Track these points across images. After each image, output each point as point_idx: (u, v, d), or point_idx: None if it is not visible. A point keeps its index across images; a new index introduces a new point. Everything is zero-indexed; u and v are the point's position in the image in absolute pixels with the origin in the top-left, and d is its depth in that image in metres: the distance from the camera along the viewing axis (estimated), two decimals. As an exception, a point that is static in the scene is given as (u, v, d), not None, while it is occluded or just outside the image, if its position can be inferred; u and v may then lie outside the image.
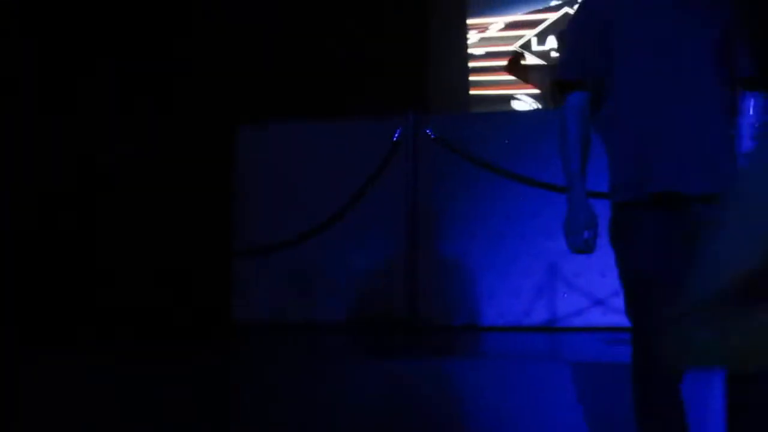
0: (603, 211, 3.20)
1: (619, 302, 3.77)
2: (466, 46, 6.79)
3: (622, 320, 3.77)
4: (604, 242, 3.78)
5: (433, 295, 3.66)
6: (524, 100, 6.47)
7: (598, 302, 3.81)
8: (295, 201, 4.02)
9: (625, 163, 1.70)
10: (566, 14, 6.77)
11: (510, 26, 6.90)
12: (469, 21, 6.86)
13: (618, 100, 1.69)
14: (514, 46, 6.80)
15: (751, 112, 1.54)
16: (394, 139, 2.91)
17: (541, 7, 6.91)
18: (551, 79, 1.99)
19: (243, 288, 4.06)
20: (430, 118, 3.14)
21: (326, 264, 3.95)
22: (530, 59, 5.16)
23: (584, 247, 1.78)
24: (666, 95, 1.62)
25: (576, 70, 1.78)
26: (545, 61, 6.58)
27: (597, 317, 3.80)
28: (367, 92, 5.86)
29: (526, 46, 6.82)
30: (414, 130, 2.81)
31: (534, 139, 3.87)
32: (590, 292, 3.82)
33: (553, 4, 6.82)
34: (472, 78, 6.80)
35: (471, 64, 6.77)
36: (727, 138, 1.58)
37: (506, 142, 3.55)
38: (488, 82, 6.91)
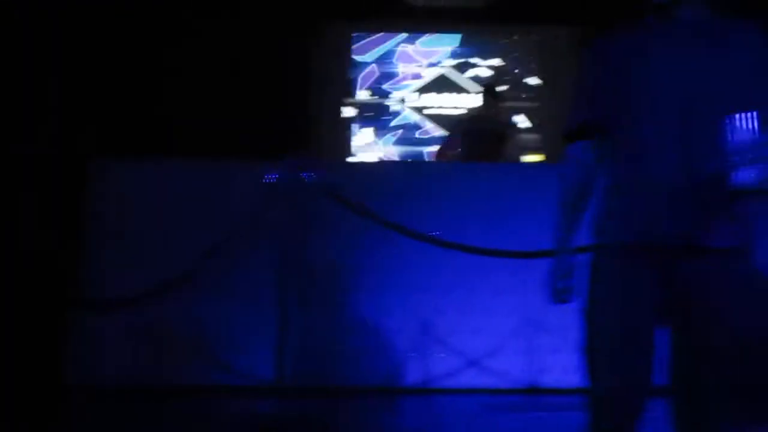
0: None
1: (494, 362, 3.73)
2: (348, 91, 6.77)
3: (496, 381, 3.71)
4: (477, 300, 3.75)
5: (304, 354, 3.35)
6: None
7: (472, 363, 3.68)
8: (156, 247, 3.62)
9: (609, 208, 1.64)
10: (442, 75, 6.93)
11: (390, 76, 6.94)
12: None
13: (619, 144, 1.64)
14: (395, 98, 6.84)
15: (743, 134, 1.38)
16: (277, 182, 2.62)
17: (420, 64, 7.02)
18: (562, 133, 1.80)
19: (83, 347, 3.55)
20: (311, 163, 2.90)
21: (185, 319, 3.55)
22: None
23: (563, 297, 1.70)
24: (652, 145, 1.56)
25: (579, 121, 1.73)
26: (422, 116, 6.66)
27: (471, 378, 3.65)
28: (246, 138, 5.64)
29: (407, 99, 6.86)
30: (293, 175, 2.55)
31: (415, 191, 3.79)
32: (464, 351, 3.68)
33: (437, 64, 6.98)
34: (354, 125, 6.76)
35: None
36: (720, 182, 1.47)
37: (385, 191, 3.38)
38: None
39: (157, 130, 5.17)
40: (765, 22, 1.59)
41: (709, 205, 1.47)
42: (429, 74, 7.00)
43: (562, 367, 3.65)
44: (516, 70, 7.05)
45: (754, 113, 1.40)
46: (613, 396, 1.56)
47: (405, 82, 6.96)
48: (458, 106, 6.84)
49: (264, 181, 2.75)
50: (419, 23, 7.05)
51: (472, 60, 7.08)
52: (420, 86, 6.93)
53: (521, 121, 6.82)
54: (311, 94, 6.64)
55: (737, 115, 1.39)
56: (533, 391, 3.64)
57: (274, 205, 2.68)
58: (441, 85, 6.64)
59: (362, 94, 6.94)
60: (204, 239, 3.09)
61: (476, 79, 6.98)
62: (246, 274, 3.48)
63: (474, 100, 6.80)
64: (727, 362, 1.49)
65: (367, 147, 6.82)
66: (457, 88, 6.96)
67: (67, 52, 4.02)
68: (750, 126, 1.35)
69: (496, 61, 7.07)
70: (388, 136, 6.81)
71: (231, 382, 3.51)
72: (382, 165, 4.62)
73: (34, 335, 3.41)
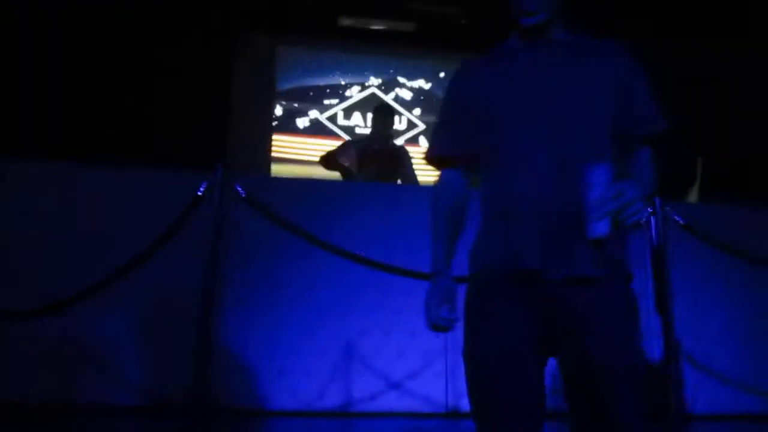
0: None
1: (416, 385, 3.68)
2: (271, 104, 6.66)
3: (417, 405, 3.65)
4: (402, 321, 3.70)
5: (222, 374, 3.19)
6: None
7: (394, 385, 3.61)
8: (66, 256, 3.37)
9: (484, 236, 1.56)
10: (373, 94, 6.93)
11: (317, 93, 6.88)
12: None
13: (484, 172, 1.59)
14: (321, 117, 6.77)
15: (598, 187, 1.33)
16: (199, 192, 2.47)
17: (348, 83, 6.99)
18: (424, 157, 1.75)
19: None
20: (239, 175, 2.79)
21: (96, 334, 3.32)
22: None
23: (442, 324, 1.58)
24: (522, 165, 1.48)
25: (441, 148, 1.68)
26: (349, 135, 6.60)
27: (392, 401, 3.59)
28: (162, 145, 5.44)
29: (332, 119, 6.81)
30: (221, 186, 2.41)
31: (345, 208, 3.72)
32: (386, 374, 3.62)
33: (366, 83, 6.96)
34: (275, 137, 6.63)
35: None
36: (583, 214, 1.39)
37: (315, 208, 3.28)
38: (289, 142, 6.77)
39: (71, 133, 4.91)
40: (629, 43, 1.58)
41: (579, 233, 1.37)
42: (358, 93, 6.99)
43: (483, 390, 3.64)
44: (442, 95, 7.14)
45: (607, 165, 1.36)
46: None
47: (331, 101, 6.92)
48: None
49: (185, 190, 2.59)
50: (347, 43, 7.05)
51: (400, 80, 7.12)
52: (348, 105, 6.91)
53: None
54: (233, 106, 6.51)
55: (595, 166, 1.36)
56: (453, 415, 3.61)
57: (197, 216, 2.53)
58: (370, 105, 6.64)
59: (285, 107, 6.84)
60: (119, 249, 2.89)
61: (399, 100, 7.02)
62: (163, 288, 3.30)
63: (401, 121, 6.84)
64: (635, 381, 1.42)
65: (287, 162, 6.72)
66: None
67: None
68: (604, 178, 1.33)
69: (422, 83, 7.15)
70: (308, 151, 6.72)
71: (141, 402, 3.30)
72: (308, 182, 4.52)
73: None
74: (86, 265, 3.17)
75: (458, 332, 3.66)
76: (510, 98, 1.52)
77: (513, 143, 1.50)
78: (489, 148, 1.55)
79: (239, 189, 2.53)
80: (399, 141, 6.26)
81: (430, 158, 1.70)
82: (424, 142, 6.88)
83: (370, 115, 6.79)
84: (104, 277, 2.57)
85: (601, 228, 1.33)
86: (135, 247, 2.70)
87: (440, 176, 1.68)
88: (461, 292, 1.59)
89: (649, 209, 2.95)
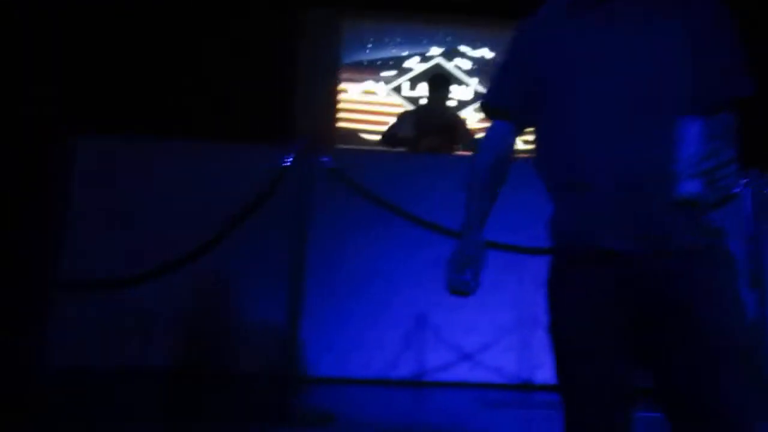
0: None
1: (488, 357, 3.70)
2: (336, 78, 6.67)
3: (490, 376, 3.68)
4: (478, 295, 3.70)
5: (296, 344, 3.27)
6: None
7: (466, 357, 3.64)
8: (153, 230, 3.50)
9: (556, 209, 1.40)
10: (438, 64, 6.86)
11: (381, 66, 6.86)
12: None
13: (544, 137, 1.42)
14: (386, 89, 6.76)
15: (692, 142, 1.17)
16: (286, 164, 2.50)
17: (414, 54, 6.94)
18: (480, 104, 1.65)
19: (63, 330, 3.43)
20: (319, 146, 2.81)
21: (184, 305, 3.46)
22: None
23: (461, 288, 1.47)
24: (597, 127, 1.29)
25: (496, 96, 1.54)
26: (414, 105, 6.57)
27: (464, 372, 3.62)
28: (232, 122, 5.54)
29: (398, 89, 6.79)
30: (307, 158, 2.43)
31: (414, 182, 3.72)
32: (458, 346, 3.64)
33: (428, 54, 6.89)
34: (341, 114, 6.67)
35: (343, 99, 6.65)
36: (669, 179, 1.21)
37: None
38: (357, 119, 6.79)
39: (146, 111, 5.05)
40: None
41: (666, 198, 1.19)
42: (420, 64, 6.93)
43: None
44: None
45: (702, 120, 1.19)
46: None
47: (393, 72, 6.89)
48: (452, 97, 6.77)
49: (270, 164, 2.64)
50: (409, 14, 6.98)
51: (462, 49, 7.02)
52: (412, 76, 6.86)
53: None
54: (298, 80, 6.55)
55: (688, 119, 1.19)
56: (526, 388, 3.62)
57: (282, 189, 2.58)
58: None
59: (353, 84, 6.85)
60: (207, 222, 2.98)
61: (462, 70, 6.93)
62: (250, 260, 3.40)
63: (466, 91, 6.76)
64: (751, 369, 1.26)
65: (355, 136, 6.73)
66: (455, 80, 6.90)
67: (63, 24, 3.87)
68: (698, 133, 1.17)
69: (485, 51, 7.03)
70: (375, 125, 6.72)
71: (229, 370, 3.43)
72: (388, 154, 4.54)
73: (14, 317, 3.28)
74: (174, 239, 3.29)
75: (532, 307, 3.68)
76: (577, 53, 1.35)
77: (579, 101, 1.32)
78: (550, 107, 1.38)
79: (325, 160, 2.55)
80: (465, 111, 6.20)
81: (484, 106, 1.58)
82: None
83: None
84: (193, 249, 2.65)
85: (693, 185, 1.17)
86: (222, 220, 2.77)
87: (490, 127, 1.54)
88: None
89: (744, 179, 2.84)
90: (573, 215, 1.33)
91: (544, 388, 3.60)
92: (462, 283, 1.46)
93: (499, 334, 3.66)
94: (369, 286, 3.64)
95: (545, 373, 3.62)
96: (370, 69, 6.87)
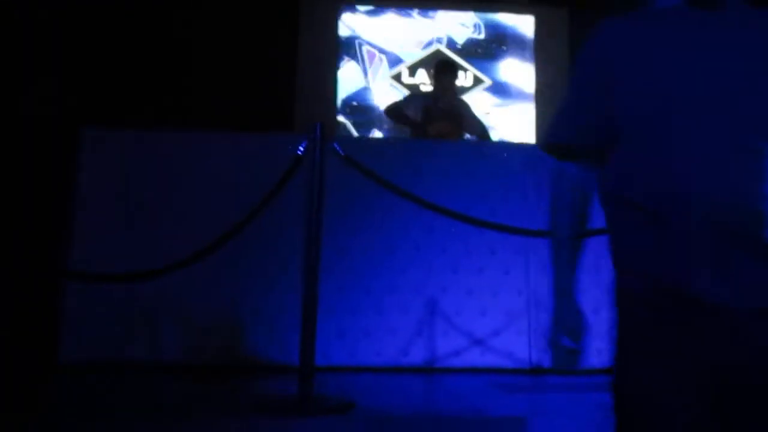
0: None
1: (499, 342, 3.71)
2: (337, 64, 6.64)
3: (500, 361, 3.69)
4: (484, 280, 3.71)
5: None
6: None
7: (477, 342, 3.65)
8: (170, 220, 3.49)
9: (631, 242, 1.18)
10: (437, 51, 6.83)
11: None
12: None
13: (627, 156, 1.19)
14: (386, 76, 6.72)
15: None
16: (299, 152, 2.48)
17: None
18: (538, 144, 1.46)
19: (74, 322, 3.42)
20: (336, 136, 2.80)
21: (200, 296, 3.45)
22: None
23: (560, 360, 1.23)
24: (686, 154, 1.09)
25: (565, 132, 1.28)
26: (413, 92, 6.54)
27: (476, 357, 3.63)
28: (232, 111, 5.52)
29: (397, 77, 6.76)
30: (321, 146, 2.40)
31: (423, 168, 3.72)
32: (469, 331, 3.65)
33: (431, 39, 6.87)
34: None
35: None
36: None
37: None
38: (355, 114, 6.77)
39: (152, 102, 5.02)
40: None
41: None
42: (422, 50, 6.90)
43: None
44: (506, 49, 6.99)
45: None
46: None
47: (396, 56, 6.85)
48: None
49: (281, 153, 2.63)
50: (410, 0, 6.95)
51: (460, 34, 6.99)
52: (412, 63, 6.83)
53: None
54: (299, 67, 6.53)
55: None
56: (537, 371, 3.63)
57: (296, 178, 2.56)
58: (434, 61, 6.55)
59: (352, 70, 6.82)
60: (222, 212, 2.97)
61: (468, 57, 6.91)
62: (263, 250, 3.40)
63: (466, 77, 6.74)
64: None
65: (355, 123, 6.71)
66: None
67: (68, 19, 3.85)
68: None
69: (481, 38, 7.00)
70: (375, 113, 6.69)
71: (236, 361, 3.44)
72: (390, 141, 4.53)
73: (26, 308, 3.28)
74: (190, 228, 3.29)
75: (540, 290, 3.68)
76: (676, 74, 1.14)
77: (676, 127, 1.11)
78: (635, 132, 1.16)
79: (337, 148, 2.54)
80: (466, 97, 6.17)
81: (546, 146, 1.32)
82: (489, 98, 6.78)
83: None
84: (210, 240, 2.64)
85: None
86: (236, 209, 2.76)
87: (560, 169, 1.31)
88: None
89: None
90: (655, 251, 1.11)
91: (555, 371, 3.62)
92: (569, 352, 1.21)
93: (508, 319, 3.67)
94: (380, 273, 3.64)
95: (555, 356, 3.64)
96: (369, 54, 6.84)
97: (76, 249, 3.45)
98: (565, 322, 1.24)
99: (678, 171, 1.09)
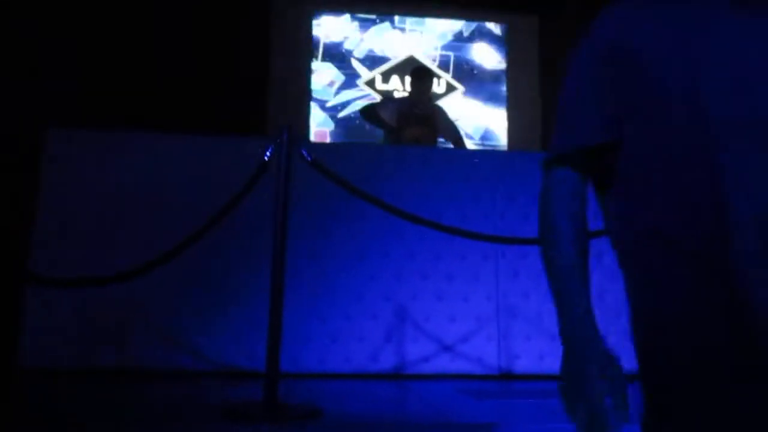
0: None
1: (468, 348, 3.71)
2: (309, 70, 6.62)
3: (470, 366, 3.69)
4: (454, 286, 3.71)
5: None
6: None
7: (447, 348, 3.65)
8: (135, 224, 3.44)
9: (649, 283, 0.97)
10: (411, 57, 6.84)
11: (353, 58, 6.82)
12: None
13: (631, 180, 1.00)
14: (359, 81, 6.72)
15: None
16: (266, 158, 2.46)
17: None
18: (542, 160, 1.07)
19: (38, 326, 3.34)
20: (304, 141, 2.79)
21: (166, 301, 3.40)
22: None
23: (603, 425, 0.92)
24: (728, 172, 0.90)
25: (566, 140, 1.07)
26: (386, 97, 6.56)
27: (445, 363, 3.63)
28: (203, 113, 5.47)
29: (371, 83, 6.76)
30: (288, 151, 2.39)
31: (393, 174, 3.72)
32: (439, 337, 3.65)
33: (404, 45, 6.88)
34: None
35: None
36: None
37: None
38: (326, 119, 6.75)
39: (120, 102, 4.96)
40: None
41: None
42: (395, 57, 6.91)
43: (534, 353, 3.67)
44: (479, 55, 7.03)
45: None
46: None
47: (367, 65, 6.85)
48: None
49: (249, 157, 2.60)
50: (382, 6, 6.96)
51: (434, 41, 7.02)
52: (386, 69, 6.84)
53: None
54: (270, 73, 6.50)
55: None
56: (505, 377, 3.64)
57: (263, 182, 2.54)
58: (408, 68, 6.58)
59: (325, 72, 6.80)
60: (188, 215, 2.94)
61: (437, 63, 6.93)
62: (231, 253, 3.38)
63: (439, 83, 6.76)
64: None
65: (325, 127, 6.69)
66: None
67: (36, 18, 3.78)
68: None
69: (455, 44, 7.04)
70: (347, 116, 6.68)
71: (207, 368, 3.39)
72: (367, 147, 4.53)
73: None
74: (156, 232, 3.24)
75: (510, 297, 3.69)
76: (703, 65, 0.94)
77: (710, 136, 0.91)
78: (656, 142, 0.96)
79: (304, 153, 2.52)
80: (440, 103, 6.19)
81: (557, 155, 1.07)
82: (461, 103, 6.81)
83: (408, 79, 6.77)
84: (175, 243, 2.61)
85: None
86: (204, 214, 2.73)
87: (551, 182, 1.07)
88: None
89: None
90: (700, 298, 0.90)
91: (524, 377, 3.63)
92: (603, 411, 0.91)
93: (478, 325, 3.68)
94: (349, 279, 3.63)
95: (524, 362, 3.65)
96: (343, 61, 6.83)
97: (39, 252, 3.38)
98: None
99: (702, 201, 0.89)
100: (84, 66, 4.87)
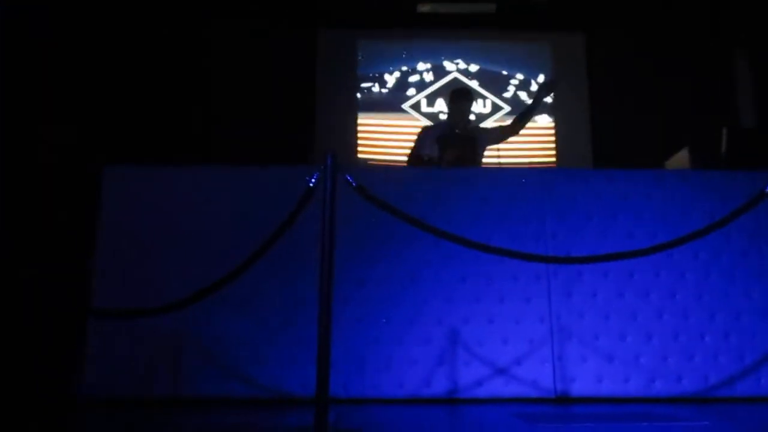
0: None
1: (522, 371, 3.64)
2: (355, 103, 6.70)
3: (524, 390, 3.62)
4: (506, 308, 3.66)
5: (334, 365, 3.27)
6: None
7: (500, 372, 3.59)
8: (176, 257, 3.54)
9: None
10: (455, 79, 6.87)
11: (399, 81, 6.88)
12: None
13: None
14: (404, 105, 6.77)
15: None
16: (311, 184, 2.51)
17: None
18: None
19: (99, 357, 3.44)
20: (348, 166, 2.82)
21: (215, 331, 3.47)
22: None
23: None
24: None
25: None
26: (431, 121, 6.57)
27: (499, 387, 3.56)
28: (254, 146, 5.60)
29: (416, 106, 6.80)
30: (332, 177, 2.43)
31: (438, 197, 3.72)
32: (492, 360, 3.60)
33: (448, 68, 6.91)
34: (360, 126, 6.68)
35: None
36: None
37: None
38: (375, 144, 6.80)
39: (169, 138, 5.12)
40: None
41: None
42: (439, 79, 6.95)
43: (590, 375, 3.57)
44: (523, 76, 7.00)
45: None
46: None
47: (412, 89, 6.89)
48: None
49: (296, 185, 2.65)
50: (426, 30, 7.01)
51: (480, 64, 7.02)
52: (430, 92, 6.88)
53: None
54: (318, 99, 6.60)
55: None
56: (562, 401, 3.55)
57: (309, 210, 2.58)
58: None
59: (372, 101, 6.87)
60: (235, 246, 3.00)
61: (481, 83, 6.92)
62: (279, 283, 3.42)
63: (485, 104, 6.75)
64: None
65: (376, 154, 6.75)
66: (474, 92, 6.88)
67: (79, 57, 3.95)
68: None
69: (502, 66, 7.03)
70: (397, 143, 6.73)
71: (260, 395, 3.43)
72: (408, 169, 4.55)
73: (50, 344, 3.32)
74: (206, 263, 3.31)
75: (563, 317, 3.62)
76: None
77: None
78: None
79: (350, 179, 2.55)
80: (485, 124, 6.19)
81: None
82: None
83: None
84: (223, 274, 2.66)
85: None
86: (252, 243, 2.78)
87: None
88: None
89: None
90: None
91: (581, 400, 3.54)
92: None
93: (531, 347, 3.61)
94: (398, 304, 3.62)
95: (581, 385, 3.56)
96: (389, 85, 6.89)
97: (99, 287, 3.50)
98: None
99: None
100: (135, 103, 5.05)
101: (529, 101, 6.86)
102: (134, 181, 3.70)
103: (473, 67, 6.93)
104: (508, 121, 6.45)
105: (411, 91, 6.85)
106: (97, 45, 4.56)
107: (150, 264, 3.54)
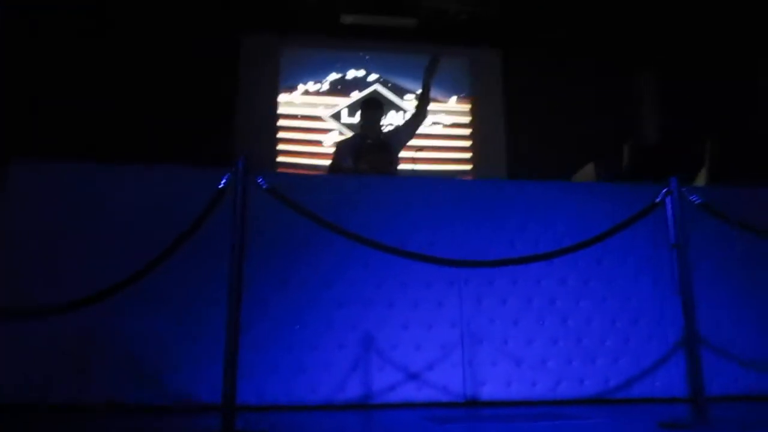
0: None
1: (434, 376, 3.70)
2: (276, 109, 6.68)
3: (436, 394, 3.68)
4: (419, 313, 3.72)
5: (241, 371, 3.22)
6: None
7: (413, 377, 3.64)
8: (89, 255, 3.41)
9: None
10: (375, 90, 6.95)
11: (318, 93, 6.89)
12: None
13: None
14: (324, 115, 6.79)
15: None
16: (221, 185, 2.48)
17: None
18: None
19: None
20: (261, 170, 2.80)
21: (120, 332, 3.35)
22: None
23: None
24: None
25: None
26: (352, 131, 6.63)
27: (411, 392, 3.61)
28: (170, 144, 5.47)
29: (337, 116, 6.84)
30: (243, 180, 2.41)
31: (356, 203, 3.76)
32: (405, 365, 3.65)
33: (369, 79, 6.98)
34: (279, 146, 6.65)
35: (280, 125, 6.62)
36: None
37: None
38: (294, 151, 6.79)
39: (80, 133, 4.95)
40: None
41: None
42: (361, 90, 7.01)
43: (500, 379, 3.68)
44: (442, 90, 7.15)
45: None
46: None
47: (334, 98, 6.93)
48: (392, 122, 6.87)
49: (208, 186, 2.61)
50: (349, 40, 7.07)
51: (402, 76, 7.13)
52: (351, 102, 6.93)
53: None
54: (239, 106, 6.54)
55: None
56: (471, 404, 3.64)
57: (219, 211, 2.55)
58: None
59: (292, 106, 6.86)
60: (141, 248, 2.92)
61: (402, 96, 7.03)
62: (186, 285, 3.36)
63: (406, 116, 6.86)
64: None
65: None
66: (391, 105, 7.00)
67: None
68: None
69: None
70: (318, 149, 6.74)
71: (169, 400, 3.34)
72: (326, 176, 4.57)
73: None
74: (110, 263, 3.21)
75: (473, 324, 3.71)
76: None
77: None
78: None
79: (260, 181, 2.54)
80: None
81: None
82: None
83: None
84: (130, 273, 2.59)
85: None
86: (157, 243, 2.72)
87: None
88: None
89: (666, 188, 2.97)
90: None
91: (490, 403, 3.63)
92: None
93: (443, 352, 3.68)
94: (312, 309, 3.62)
95: (491, 388, 3.66)
96: (310, 97, 6.90)
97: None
98: None
99: None
100: (50, 99, 4.87)
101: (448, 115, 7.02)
102: (40, 177, 3.56)
103: (394, 79, 7.03)
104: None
105: (332, 101, 6.88)
106: (9, 38, 4.37)
107: (51, 263, 3.41)
